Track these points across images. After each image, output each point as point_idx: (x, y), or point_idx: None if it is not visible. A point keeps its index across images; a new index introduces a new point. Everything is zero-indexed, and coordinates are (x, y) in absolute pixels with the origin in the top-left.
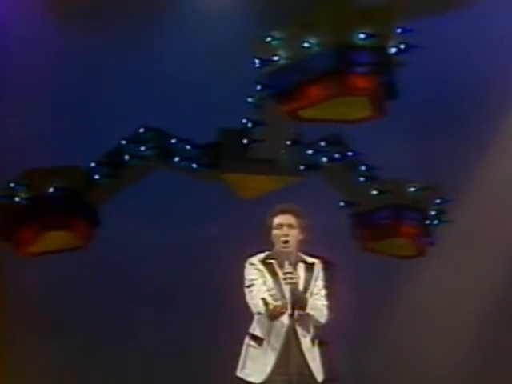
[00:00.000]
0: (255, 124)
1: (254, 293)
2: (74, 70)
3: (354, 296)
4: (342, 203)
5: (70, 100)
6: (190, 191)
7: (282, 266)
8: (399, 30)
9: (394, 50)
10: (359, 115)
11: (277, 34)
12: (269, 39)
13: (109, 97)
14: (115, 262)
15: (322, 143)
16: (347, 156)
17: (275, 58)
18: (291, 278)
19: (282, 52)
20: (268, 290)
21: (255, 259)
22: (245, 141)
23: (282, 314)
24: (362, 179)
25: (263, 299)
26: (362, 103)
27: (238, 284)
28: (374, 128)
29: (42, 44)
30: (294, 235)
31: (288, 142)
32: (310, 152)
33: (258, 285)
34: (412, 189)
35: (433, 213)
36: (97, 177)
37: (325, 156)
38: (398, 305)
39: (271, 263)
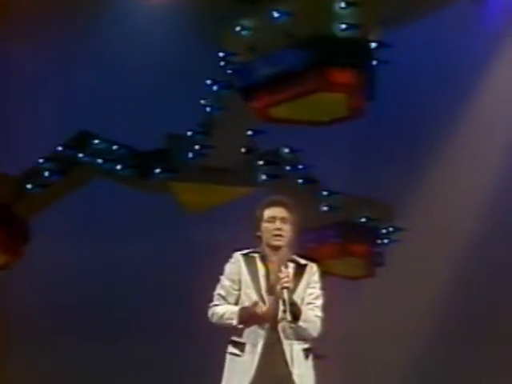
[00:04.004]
0: (208, 129)
1: (219, 309)
2: (9, 77)
3: None
4: None
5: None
6: (127, 205)
7: (265, 261)
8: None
9: (374, 44)
10: (335, 115)
11: (247, 23)
12: (238, 29)
13: (47, 104)
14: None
15: (273, 154)
16: (297, 169)
17: (243, 50)
18: (287, 282)
19: (252, 42)
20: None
21: (238, 254)
22: (196, 147)
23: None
24: (312, 194)
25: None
26: (339, 101)
27: (171, 305)
28: (321, 141)
29: None
30: (287, 230)
31: (242, 150)
32: (261, 163)
33: (220, 304)
34: (362, 206)
35: (383, 231)
36: (29, 186)
37: (274, 169)
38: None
39: (254, 258)
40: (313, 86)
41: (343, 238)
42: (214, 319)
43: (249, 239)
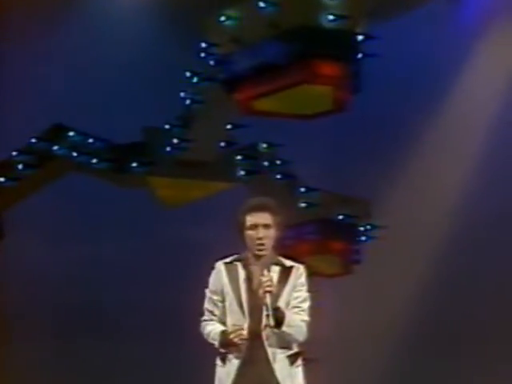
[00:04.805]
0: (186, 122)
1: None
2: None
3: None
4: None
5: None
6: (103, 199)
7: (247, 266)
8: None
9: (361, 36)
10: (320, 108)
11: (232, 13)
12: (222, 19)
13: (22, 97)
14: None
15: (251, 149)
16: (276, 165)
17: (227, 41)
18: (269, 286)
19: (236, 33)
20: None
21: (220, 263)
22: (174, 141)
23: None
24: (290, 191)
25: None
26: (324, 94)
27: (154, 304)
28: (299, 136)
29: None
30: (270, 236)
31: (222, 144)
32: (239, 158)
33: (209, 319)
34: (341, 203)
35: (362, 228)
36: (2, 180)
37: (252, 164)
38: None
39: (236, 265)
40: (298, 78)
41: (321, 235)
42: (204, 336)
43: (233, 237)
